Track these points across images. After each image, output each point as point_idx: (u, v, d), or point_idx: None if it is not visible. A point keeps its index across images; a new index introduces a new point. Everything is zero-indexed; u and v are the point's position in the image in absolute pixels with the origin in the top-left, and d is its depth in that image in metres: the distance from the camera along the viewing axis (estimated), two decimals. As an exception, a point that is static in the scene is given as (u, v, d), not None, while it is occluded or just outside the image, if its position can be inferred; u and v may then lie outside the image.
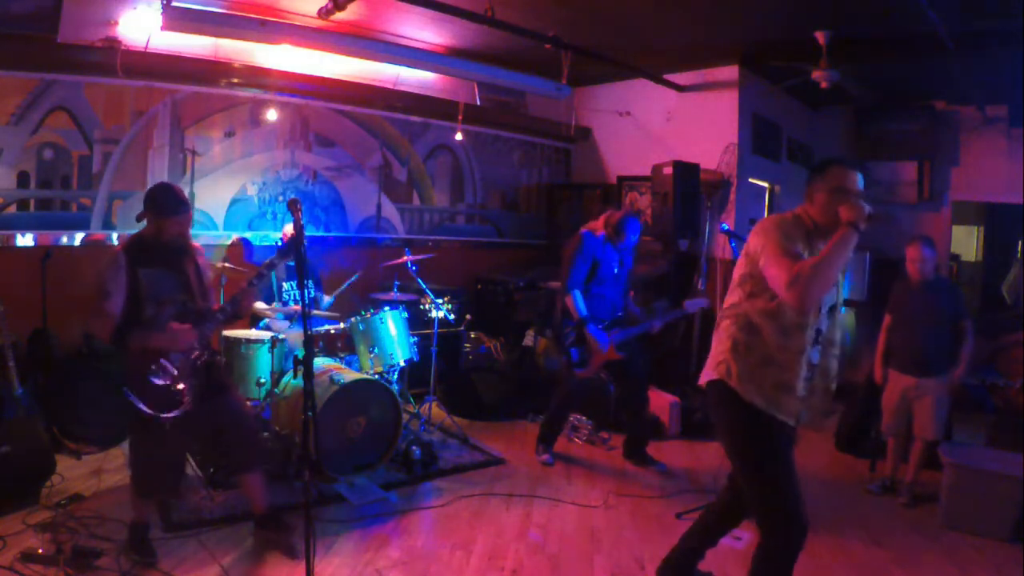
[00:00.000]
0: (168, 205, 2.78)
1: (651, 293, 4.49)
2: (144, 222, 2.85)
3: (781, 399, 2.26)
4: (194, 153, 4.96)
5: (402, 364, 4.34)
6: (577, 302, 3.99)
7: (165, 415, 2.67)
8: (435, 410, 4.98)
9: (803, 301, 2.08)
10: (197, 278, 2.92)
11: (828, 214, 2.23)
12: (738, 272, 2.38)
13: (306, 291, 2.41)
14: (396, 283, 4.83)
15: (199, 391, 2.76)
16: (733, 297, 2.39)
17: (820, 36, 4.60)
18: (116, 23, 4.35)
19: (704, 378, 2.44)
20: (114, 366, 4.25)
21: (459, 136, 6.16)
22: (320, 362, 4.08)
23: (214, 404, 2.87)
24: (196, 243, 3.01)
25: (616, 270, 4.14)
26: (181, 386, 2.68)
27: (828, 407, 2.44)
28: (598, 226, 4.14)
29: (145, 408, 2.64)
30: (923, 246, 3.82)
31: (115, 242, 4.67)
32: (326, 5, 4.44)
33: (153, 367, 2.64)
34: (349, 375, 3.86)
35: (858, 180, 2.28)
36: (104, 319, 2.68)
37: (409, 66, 5.63)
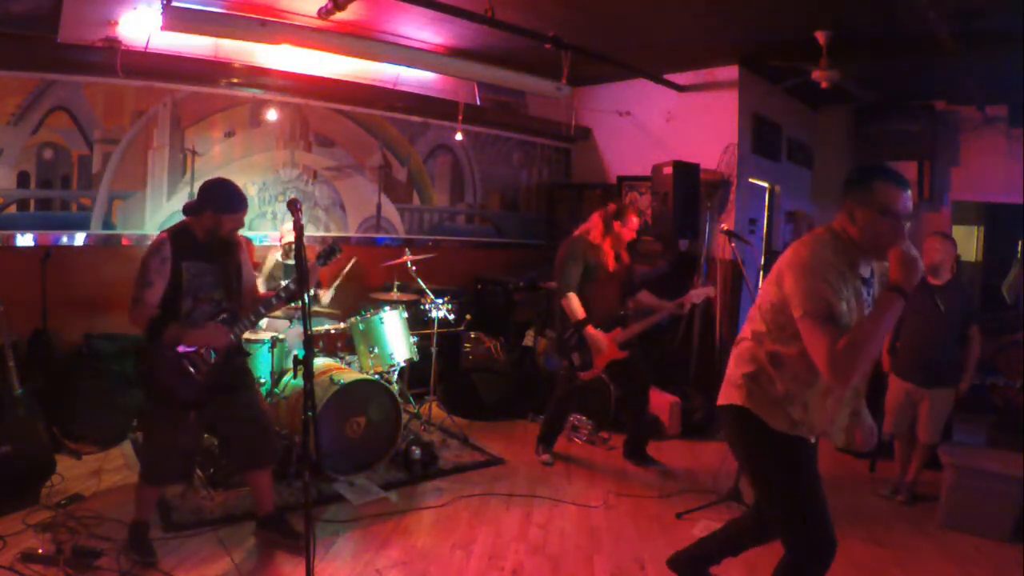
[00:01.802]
0: (233, 201, 2.80)
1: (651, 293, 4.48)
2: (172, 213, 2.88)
3: (804, 426, 2.12)
4: (194, 153, 4.95)
5: (402, 364, 4.34)
6: (573, 304, 3.99)
7: (190, 405, 2.76)
8: (435, 410, 4.98)
9: (847, 383, 1.89)
10: (236, 275, 2.93)
11: (872, 238, 1.98)
12: (766, 298, 2.14)
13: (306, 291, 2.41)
14: (396, 283, 4.84)
15: (221, 385, 2.81)
16: (759, 324, 2.17)
17: (820, 36, 4.59)
18: (116, 23, 4.35)
19: (722, 399, 2.28)
20: (114, 366, 4.26)
21: (459, 136, 6.16)
22: (320, 362, 4.08)
23: (233, 399, 2.89)
24: (242, 236, 3.00)
25: (613, 269, 4.11)
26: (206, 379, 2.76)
27: (855, 424, 2.24)
28: (590, 227, 4.15)
29: (172, 398, 2.71)
30: (943, 238, 3.83)
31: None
32: (326, 5, 4.43)
33: (185, 361, 2.69)
34: (349, 375, 3.86)
35: (908, 200, 1.97)
36: (143, 308, 2.68)
37: (409, 66, 5.63)
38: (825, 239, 2.05)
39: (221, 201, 2.78)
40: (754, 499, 2.60)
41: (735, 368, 2.25)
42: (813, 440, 2.21)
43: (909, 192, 2.00)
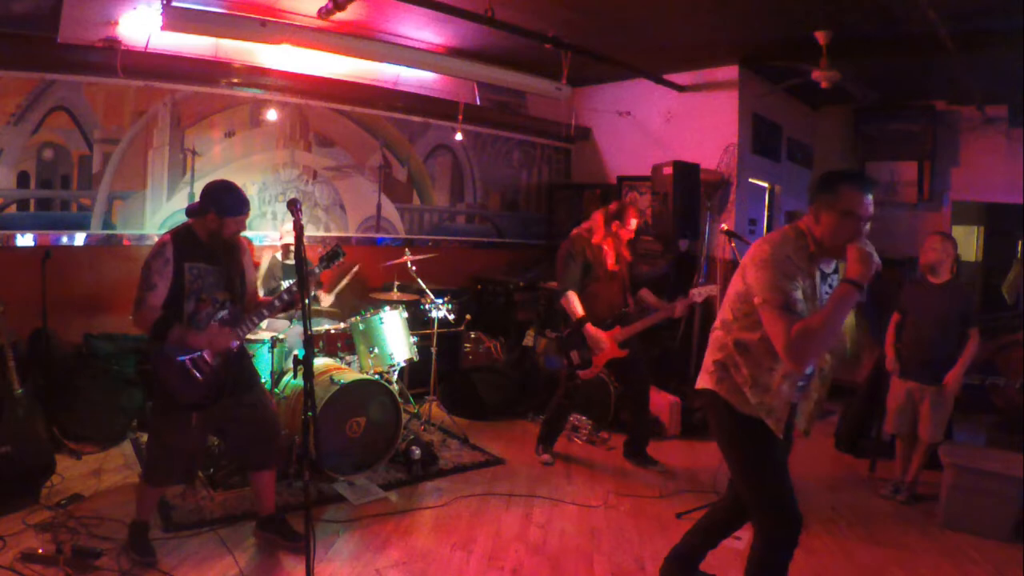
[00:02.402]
0: (236, 204, 2.81)
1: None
2: (179, 214, 2.87)
3: (763, 409, 2.27)
4: (194, 153, 4.95)
5: (402, 364, 4.34)
6: (572, 303, 3.99)
7: (194, 407, 2.75)
8: (435, 410, 4.98)
9: (802, 365, 2.08)
10: (239, 277, 2.92)
11: (834, 238, 2.12)
12: (733, 288, 2.34)
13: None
14: (396, 283, 4.84)
15: (226, 385, 2.81)
16: (727, 313, 2.36)
17: (820, 36, 4.60)
18: (116, 23, 4.36)
19: (699, 383, 2.47)
20: (114, 366, 4.27)
21: (459, 136, 6.16)
22: (320, 362, 4.08)
23: (238, 400, 2.89)
24: (244, 237, 2.99)
25: (613, 267, 4.11)
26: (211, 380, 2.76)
27: (818, 411, 2.44)
28: (590, 225, 4.14)
29: (175, 399, 2.71)
30: (943, 237, 3.84)
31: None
32: (326, 5, 4.44)
33: (188, 364, 2.69)
34: (349, 375, 3.86)
35: (869, 204, 2.12)
36: (146, 311, 2.69)
37: (409, 66, 5.63)
38: (788, 236, 2.23)
39: (224, 204, 2.78)
40: (726, 486, 2.73)
41: (708, 355, 2.45)
42: (780, 436, 2.30)
43: (871, 196, 2.14)
